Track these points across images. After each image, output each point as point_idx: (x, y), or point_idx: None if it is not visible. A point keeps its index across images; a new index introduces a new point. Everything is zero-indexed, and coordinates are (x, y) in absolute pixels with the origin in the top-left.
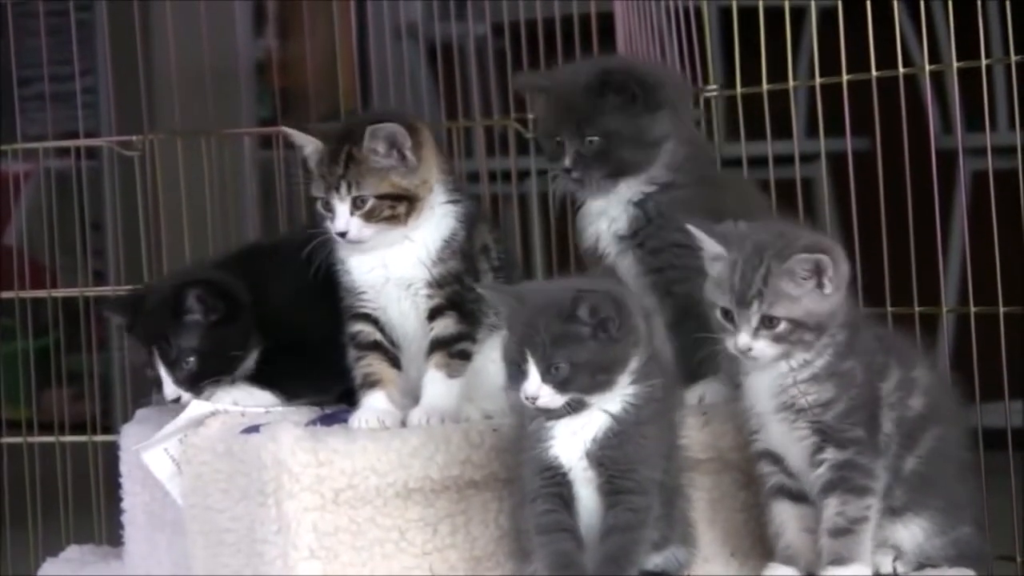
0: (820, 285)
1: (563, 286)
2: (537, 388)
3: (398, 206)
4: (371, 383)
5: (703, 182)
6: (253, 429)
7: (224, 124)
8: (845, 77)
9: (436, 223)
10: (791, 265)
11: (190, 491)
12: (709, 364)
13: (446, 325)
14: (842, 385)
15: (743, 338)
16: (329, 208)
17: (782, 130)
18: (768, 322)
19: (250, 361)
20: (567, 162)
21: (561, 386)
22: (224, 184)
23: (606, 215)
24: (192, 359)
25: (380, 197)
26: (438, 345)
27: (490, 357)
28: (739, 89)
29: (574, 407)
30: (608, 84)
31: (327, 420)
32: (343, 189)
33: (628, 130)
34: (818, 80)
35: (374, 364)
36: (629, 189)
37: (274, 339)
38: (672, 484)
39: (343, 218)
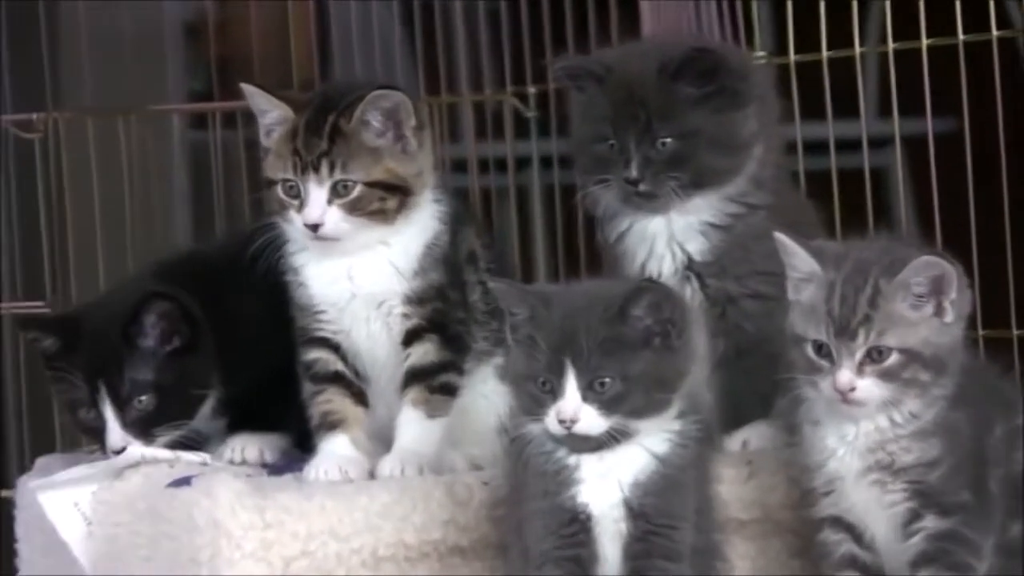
0: (939, 311)
1: (602, 284)
2: (576, 408)
3: (389, 199)
4: (331, 424)
5: (786, 197)
6: (183, 482)
7: (147, 100)
8: (925, 42)
9: (418, 225)
10: (905, 277)
11: (103, 558)
12: (757, 407)
13: (426, 352)
14: (950, 441)
15: (844, 375)
16: (296, 193)
17: (847, 108)
18: (876, 354)
19: (207, 407)
20: (633, 171)
21: (608, 406)
22: (147, 172)
23: (670, 237)
24: (146, 397)
25: (370, 184)
26: (416, 377)
27: (480, 392)
28: (792, 57)
29: (616, 437)
30: (687, 70)
31: (275, 471)
32: (323, 169)
33: (713, 129)
34: (891, 45)
35: (335, 400)
36: (709, 206)
37: (246, 373)
38: (705, 546)
39: (318, 206)
